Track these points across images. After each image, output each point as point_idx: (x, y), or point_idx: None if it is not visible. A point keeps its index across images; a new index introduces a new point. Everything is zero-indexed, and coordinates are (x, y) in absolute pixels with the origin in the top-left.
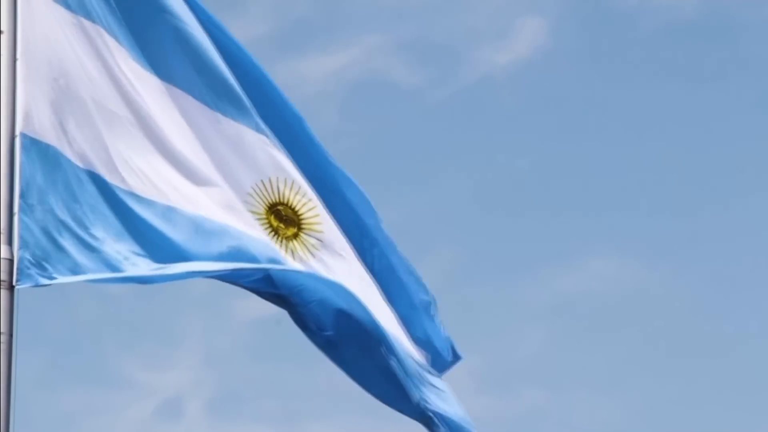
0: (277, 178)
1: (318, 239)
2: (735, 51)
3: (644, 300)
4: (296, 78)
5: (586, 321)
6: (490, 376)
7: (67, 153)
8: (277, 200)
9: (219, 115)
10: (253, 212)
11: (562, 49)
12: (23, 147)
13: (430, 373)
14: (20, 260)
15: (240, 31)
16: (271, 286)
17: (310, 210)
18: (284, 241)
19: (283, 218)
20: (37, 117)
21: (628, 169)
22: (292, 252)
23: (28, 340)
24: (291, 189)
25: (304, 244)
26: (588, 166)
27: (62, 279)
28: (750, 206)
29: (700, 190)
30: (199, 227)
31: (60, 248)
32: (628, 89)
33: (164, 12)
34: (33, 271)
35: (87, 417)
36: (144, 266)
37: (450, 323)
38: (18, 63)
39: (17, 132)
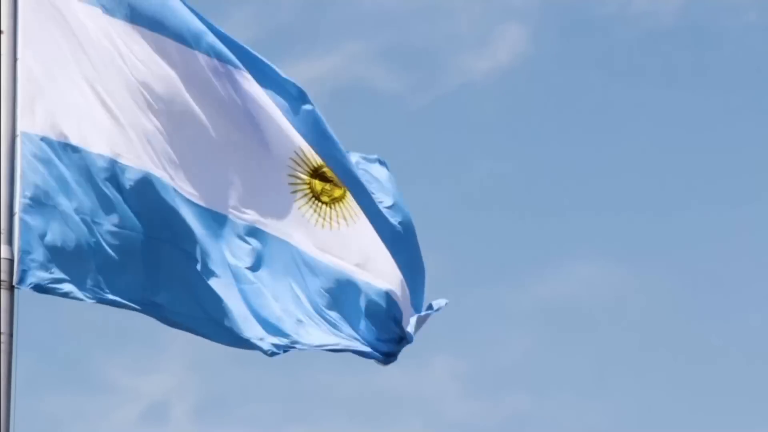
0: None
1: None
2: (713, 58)
3: (628, 303)
4: None
5: (570, 325)
6: (475, 380)
7: (76, 143)
8: (322, 163)
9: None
10: (292, 176)
11: (542, 56)
12: (24, 145)
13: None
14: (21, 260)
15: None
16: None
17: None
18: (324, 205)
19: (328, 179)
20: (39, 114)
21: (610, 173)
22: (336, 213)
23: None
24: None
25: (350, 205)
26: (569, 171)
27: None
28: (732, 208)
29: (682, 194)
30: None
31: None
32: (607, 95)
33: None
34: (35, 272)
35: (72, 422)
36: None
37: (435, 328)
38: (18, 63)
39: (18, 131)
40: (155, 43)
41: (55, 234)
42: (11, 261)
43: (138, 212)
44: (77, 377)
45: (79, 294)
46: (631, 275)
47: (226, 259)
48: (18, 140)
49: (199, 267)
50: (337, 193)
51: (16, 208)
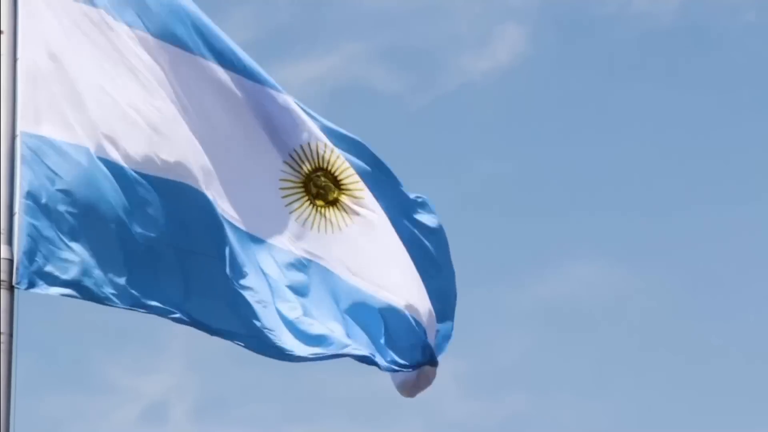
0: (317, 143)
1: (359, 204)
2: (712, 58)
3: (628, 303)
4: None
5: (570, 325)
6: (474, 380)
7: (78, 143)
8: (318, 165)
9: (248, 81)
10: (285, 180)
11: (542, 56)
12: (25, 145)
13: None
14: (20, 261)
15: None
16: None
17: (350, 176)
18: (322, 208)
19: (322, 185)
20: (39, 113)
21: (610, 173)
22: (331, 217)
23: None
24: (332, 153)
25: (344, 208)
26: (570, 171)
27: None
28: (732, 208)
29: (682, 194)
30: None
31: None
32: (607, 95)
33: None
34: (34, 272)
35: (73, 422)
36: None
37: None
38: (18, 63)
39: (18, 131)
40: (197, 65)
41: (67, 235)
42: (11, 261)
43: (172, 223)
44: (77, 377)
45: (94, 296)
46: (631, 275)
47: (265, 277)
48: (18, 140)
49: (234, 280)
50: (332, 196)
51: (16, 208)
